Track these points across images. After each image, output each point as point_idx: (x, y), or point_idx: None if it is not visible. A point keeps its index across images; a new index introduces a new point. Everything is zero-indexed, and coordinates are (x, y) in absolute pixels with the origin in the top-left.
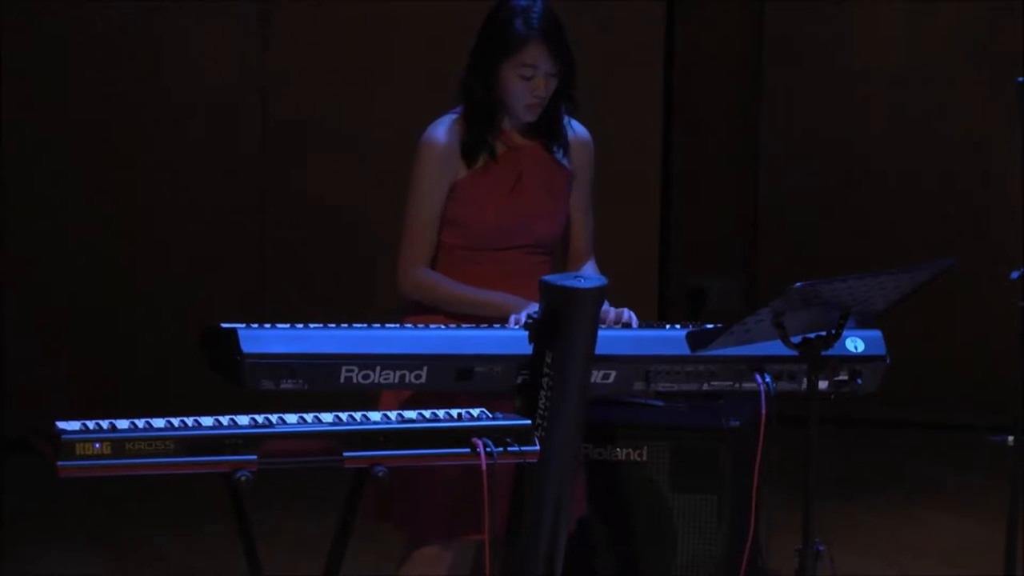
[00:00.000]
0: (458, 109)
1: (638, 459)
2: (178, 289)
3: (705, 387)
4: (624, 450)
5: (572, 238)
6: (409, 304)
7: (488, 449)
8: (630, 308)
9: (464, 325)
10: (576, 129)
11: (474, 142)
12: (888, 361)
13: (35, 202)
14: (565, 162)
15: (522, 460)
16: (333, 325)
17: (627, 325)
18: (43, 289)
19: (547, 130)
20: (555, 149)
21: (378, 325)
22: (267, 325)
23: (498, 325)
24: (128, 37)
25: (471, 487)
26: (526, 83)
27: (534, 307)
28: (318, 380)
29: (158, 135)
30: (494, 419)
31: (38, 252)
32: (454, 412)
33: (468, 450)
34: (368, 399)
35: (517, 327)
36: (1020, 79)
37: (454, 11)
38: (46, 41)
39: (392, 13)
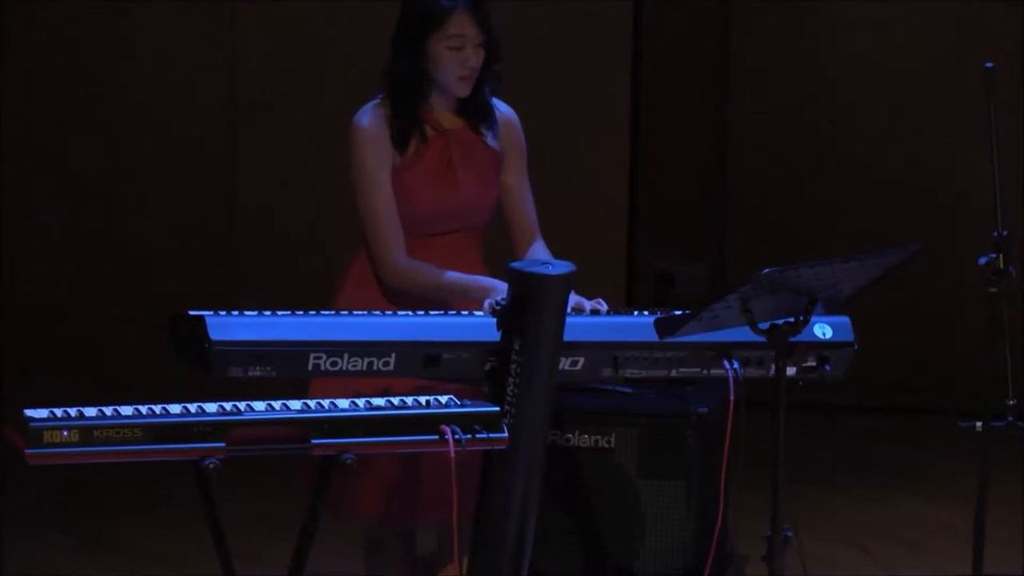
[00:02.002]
0: (379, 97)
1: (606, 445)
2: (148, 284)
3: (673, 373)
4: (592, 437)
5: (516, 217)
6: (351, 281)
7: (456, 436)
8: (598, 295)
9: (432, 312)
10: (501, 109)
11: (404, 126)
12: (856, 347)
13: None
14: (494, 144)
15: (490, 447)
16: (301, 312)
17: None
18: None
19: (474, 111)
20: (483, 131)
21: (346, 312)
22: (235, 312)
23: (466, 312)
24: (93, 34)
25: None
26: (456, 55)
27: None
28: (286, 367)
29: (125, 132)
30: (462, 406)
31: (6, 248)
32: (422, 399)
33: (436, 437)
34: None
35: (489, 312)
36: (988, 64)
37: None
38: (12, 39)
39: (363, 7)
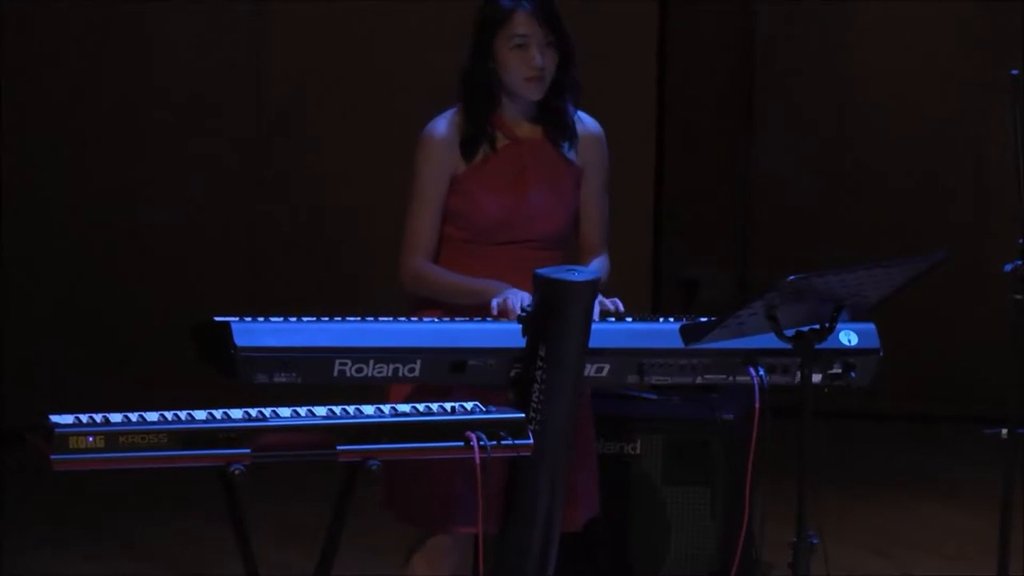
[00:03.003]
0: (456, 105)
1: (632, 452)
2: (170, 286)
3: (699, 380)
4: (618, 443)
5: (583, 232)
6: (415, 300)
7: (482, 443)
8: (625, 302)
9: (458, 318)
10: (587, 123)
11: (473, 131)
12: (882, 354)
13: (28, 201)
14: (572, 157)
15: (515, 454)
16: (326, 318)
17: (615, 315)
18: (34, 286)
19: (552, 121)
20: (562, 143)
21: (371, 318)
22: (260, 319)
23: (491, 318)
24: (116, 34)
25: (473, 479)
26: (521, 55)
27: (514, 292)
28: (312, 373)
29: (145, 134)
30: (487, 412)
31: (30, 251)
32: (447, 405)
33: (462, 443)
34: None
35: (498, 314)
36: (1014, 72)
37: (450, 9)
38: (37, 39)
39: (388, 11)
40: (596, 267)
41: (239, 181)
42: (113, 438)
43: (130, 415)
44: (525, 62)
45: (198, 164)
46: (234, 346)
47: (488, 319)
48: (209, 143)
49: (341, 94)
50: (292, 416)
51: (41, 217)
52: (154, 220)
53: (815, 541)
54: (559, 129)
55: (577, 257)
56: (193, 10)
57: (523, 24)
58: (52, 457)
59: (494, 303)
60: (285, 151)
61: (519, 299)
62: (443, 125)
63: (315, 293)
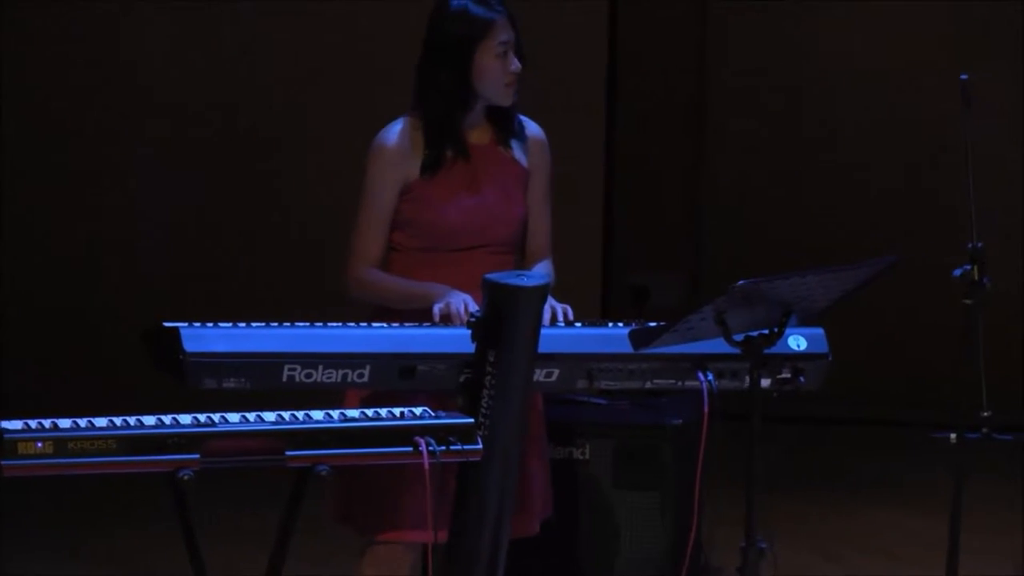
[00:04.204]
0: (410, 113)
1: (581, 457)
2: (143, 288)
3: (648, 385)
4: (567, 448)
5: (529, 236)
6: (375, 308)
7: (431, 448)
8: (574, 307)
9: (407, 323)
10: (531, 127)
11: (443, 142)
12: (831, 359)
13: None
14: (522, 160)
15: (464, 459)
16: (276, 324)
17: (565, 320)
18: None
19: (502, 125)
20: (511, 146)
21: (321, 324)
22: (209, 324)
23: (441, 324)
24: (97, 35)
25: (422, 485)
26: (502, 63)
27: (455, 296)
28: (261, 379)
29: (121, 136)
30: (437, 418)
31: (16, 253)
32: (396, 411)
33: (411, 449)
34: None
35: (440, 319)
36: (963, 76)
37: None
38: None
39: (355, 15)
40: (542, 271)
41: (227, 183)
42: (62, 444)
43: (79, 421)
44: (505, 68)
45: (182, 164)
46: (183, 351)
47: (438, 324)
48: (195, 144)
49: (334, 94)
50: (241, 422)
51: (24, 220)
52: (137, 220)
53: (764, 546)
54: (509, 131)
55: (523, 259)
56: (179, 8)
57: (503, 31)
58: (1, 463)
59: (436, 309)
60: (274, 152)
61: (461, 302)
62: (395, 134)
63: (305, 295)
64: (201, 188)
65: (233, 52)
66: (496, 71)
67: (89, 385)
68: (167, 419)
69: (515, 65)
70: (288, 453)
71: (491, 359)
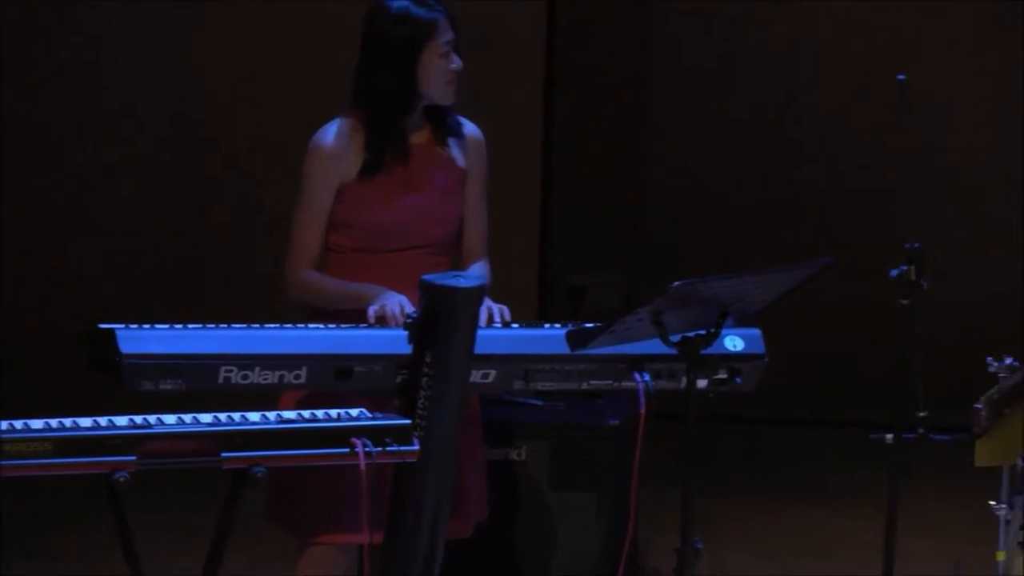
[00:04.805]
0: (347, 114)
1: (518, 458)
2: (79, 289)
3: (584, 386)
4: (504, 449)
5: (465, 237)
6: (311, 309)
7: (367, 449)
8: (509, 306)
9: (344, 325)
10: (468, 127)
11: (386, 143)
12: (767, 359)
13: None
14: (459, 160)
15: (401, 460)
16: (212, 325)
17: (502, 321)
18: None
19: (440, 124)
20: (449, 145)
21: (257, 325)
22: (146, 325)
23: (378, 325)
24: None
25: (357, 486)
26: (445, 62)
27: (390, 297)
28: (197, 380)
29: (53, 138)
30: (373, 419)
31: None
32: (333, 412)
33: (347, 450)
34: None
35: (375, 320)
36: (900, 76)
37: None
38: None
39: (301, 15)
40: (478, 272)
41: (167, 185)
42: None
43: (14, 423)
44: (447, 67)
45: (124, 168)
46: (119, 353)
47: (375, 325)
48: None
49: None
50: (177, 423)
51: None
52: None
53: (700, 547)
54: (447, 131)
55: (459, 259)
56: (123, 12)
57: (446, 31)
58: None
59: (371, 311)
60: (214, 153)
61: (396, 304)
62: (333, 135)
63: (244, 295)
64: (140, 189)
65: (177, 53)
66: (440, 71)
67: (25, 387)
68: (103, 421)
69: (456, 63)
70: (224, 455)
71: (428, 360)
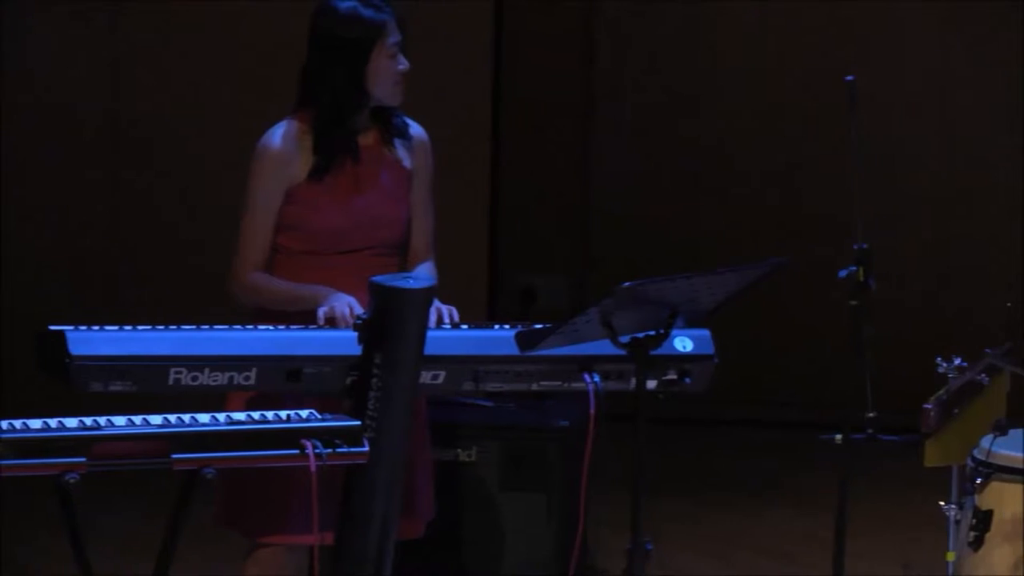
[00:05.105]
0: (295, 115)
1: (467, 459)
2: (21, 292)
3: (534, 387)
4: (453, 450)
5: (412, 237)
6: (255, 311)
7: (317, 450)
8: (456, 307)
9: (294, 326)
10: (414, 128)
11: (335, 145)
12: (717, 360)
13: None
14: (406, 161)
15: (351, 461)
16: (162, 327)
17: (451, 322)
18: None
19: (387, 125)
20: (395, 147)
21: (207, 327)
22: (96, 327)
23: (328, 326)
24: None
25: (308, 487)
26: (394, 62)
27: (339, 299)
28: (146, 382)
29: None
30: (323, 420)
31: None
32: (283, 413)
33: (297, 451)
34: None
35: (324, 322)
36: (849, 78)
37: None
38: None
39: (238, 18)
40: (424, 273)
41: (97, 186)
42: None
43: None
44: (395, 68)
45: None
46: (69, 355)
47: (325, 326)
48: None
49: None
50: (127, 425)
51: None
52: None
53: (650, 547)
54: (394, 133)
55: (406, 259)
56: (54, 12)
57: (394, 32)
58: None
59: (320, 312)
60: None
61: (345, 305)
62: (280, 136)
63: (191, 298)
64: (80, 191)
65: (113, 55)
66: (388, 72)
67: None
68: (53, 422)
69: (404, 64)
70: (174, 456)
71: (377, 361)
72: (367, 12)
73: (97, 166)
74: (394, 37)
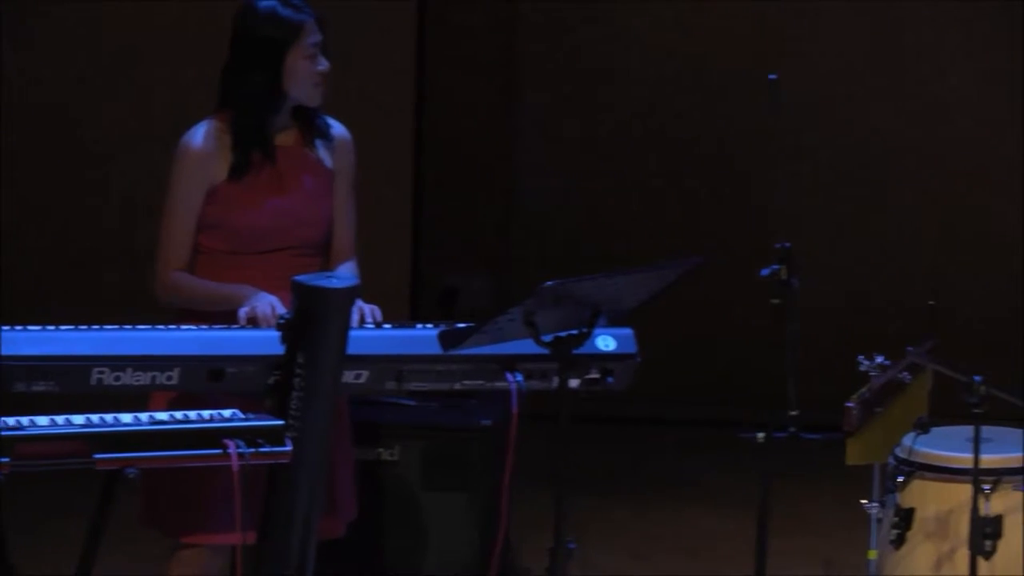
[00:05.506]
0: (215, 115)
1: (390, 458)
2: None
3: (457, 386)
4: (376, 449)
5: (334, 238)
6: (179, 311)
7: (239, 450)
8: (379, 306)
9: (216, 326)
10: (336, 128)
11: (251, 145)
12: (639, 359)
13: None
14: (328, 162)
15: (274, 461)
16: (84, 327)
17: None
18: None
19: (308, 126)
20: (317, 147)
21: (129, 327)
22: (18, 327)
23: (251, 326)
24: None
25: (231, 487)
26: (312, 63)
27: (261, 299)
28: (69, 382)
29: None
30: (246, 420)
31: None
32: (206, 413)
33: (220, 451)
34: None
35: (247, 322)
36: (772, 76)
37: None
38: None
39: (138, 16)
40: (347, 272)
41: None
42: None
43: None
44: (314, 69)
45: None
46: None
47: (248, 326)
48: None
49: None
50: (50, 425)
51: None
52: None
53: (573, 547)
54: (315, 132)
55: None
56: None
57: (313, 33)
58: None
59: (242, 312)
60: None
61: (268, 305)
62: (201, 136)
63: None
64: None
65: (42, 51)
66: (306, 72)
67: None
68: None
69: (323, 65)
70: (96, 456)
71: (300, 361)
72: (285, 12)
73: (22, 161)
74: (313, 38)
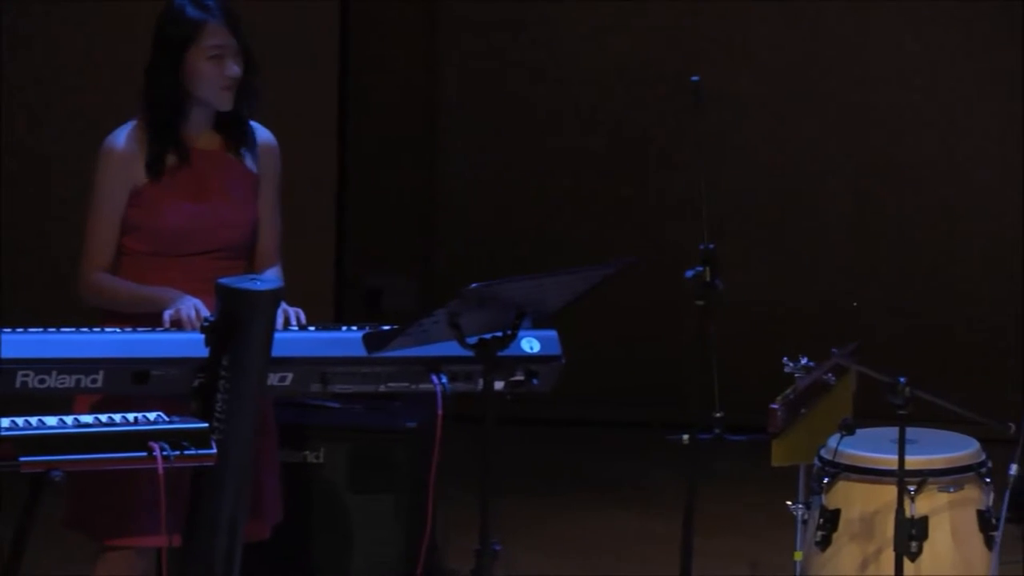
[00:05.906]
0: (135, 119)
1: (315, 460)
2: None
3: (382, 388)
4: (301, 452)
5: (259, 241)
6: (103, 312)
7: (164, 453)
8: (304, 309)
9: (140, 328)
10: (261, 133)
11: (162, 147)
12: (564, 360)
13: None
14: (251, 166)
15: (199, 463)
16: (8, 329)
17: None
18: None
19: (231, 130)
20: (241, 152)
21: (54, 329)
22: None
23: (175, 329)
24: None
25: (155, 490)
26: (216, 66)
27: (185, 301)
28: None
29: None
30: (171, 422)
31: None
32: (131, 416)
33: (145, 454)
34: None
35: (171, 325)
36: (694, 78)
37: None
38: None
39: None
40: (272, 275)
41: None
42: None
43: None
44: (220, 73)
45: None
46: None
47: (173, 329)
48: None
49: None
50: None
51: None
52: None
53: (498, 548)
54: (239, 138)
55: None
56: None
57: (216, 35)
58: None
59: (166, 315)
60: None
61: (191, 307)
62: (123, 138)
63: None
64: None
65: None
66: (209, 75)
67: None
68: None
69: (232, 70)
70: (22, 459)
71: (225, 363)
72: (190, 11)
73: None
74: (215, 40)
